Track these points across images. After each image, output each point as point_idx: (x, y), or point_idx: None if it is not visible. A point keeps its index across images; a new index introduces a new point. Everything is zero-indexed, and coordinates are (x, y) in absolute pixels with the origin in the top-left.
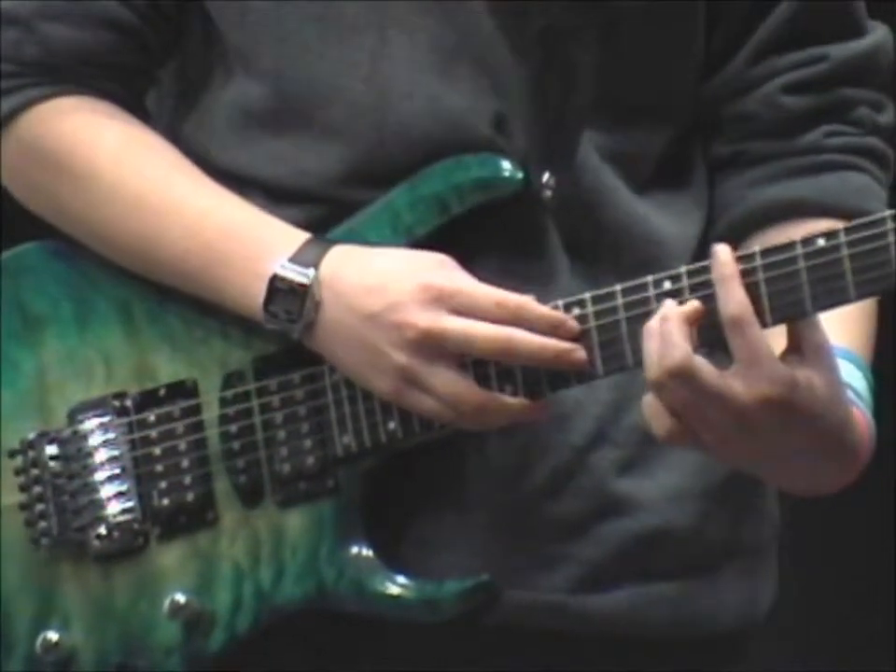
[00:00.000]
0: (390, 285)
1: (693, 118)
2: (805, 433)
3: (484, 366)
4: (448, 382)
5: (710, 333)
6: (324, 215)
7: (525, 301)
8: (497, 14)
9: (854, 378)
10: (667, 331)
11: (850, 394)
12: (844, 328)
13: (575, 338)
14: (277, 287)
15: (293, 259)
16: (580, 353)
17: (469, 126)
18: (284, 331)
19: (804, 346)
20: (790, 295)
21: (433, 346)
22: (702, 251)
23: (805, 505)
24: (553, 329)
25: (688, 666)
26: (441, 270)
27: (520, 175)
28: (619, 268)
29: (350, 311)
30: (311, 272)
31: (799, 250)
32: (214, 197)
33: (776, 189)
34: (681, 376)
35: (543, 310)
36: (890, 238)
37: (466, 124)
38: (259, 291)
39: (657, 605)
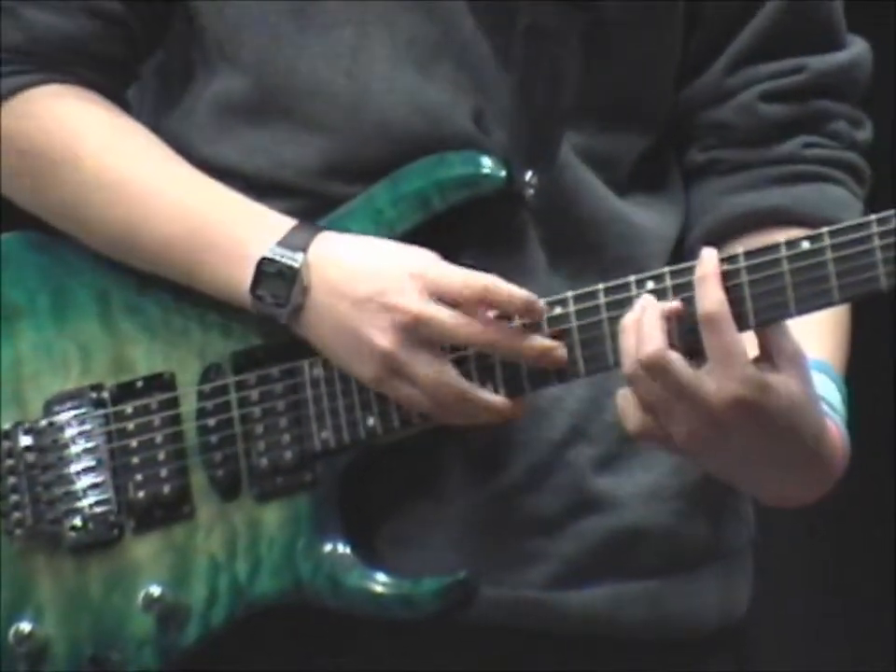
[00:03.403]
0: (381, 271)
1: (673, 123)
2: (777, 439)
3: (466, 363)
4: (431, 370)
5: (689, 337)
6: (302, 208)
7: (493, 280)
8: (480, 12)
9: (829, 391)
10: (643, 324)
11: (825, 406)
12: (820, 340)
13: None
14: (265, 271)
15: (281, 243)
16: (561, 351)
17: (449, 121)
18: (270, 316)
19: (776, 354)
20: (774, 297)
21: (420, 333)
22: (679, 254)
23: (806, 507)
24: (523, 308)
25: (663, 667)
26: (430, 260)
27: (503, 172)
28: (598, 266)
29: (338, 295)
30: (300, 255)
31: (783, 252)
32: (198, 184)
33: (751, 196)
34: (654, 369)
35: (513, 288)
36: (876, 241)
37: (445, 119)
38: (246, 275)
39: (634, 603)
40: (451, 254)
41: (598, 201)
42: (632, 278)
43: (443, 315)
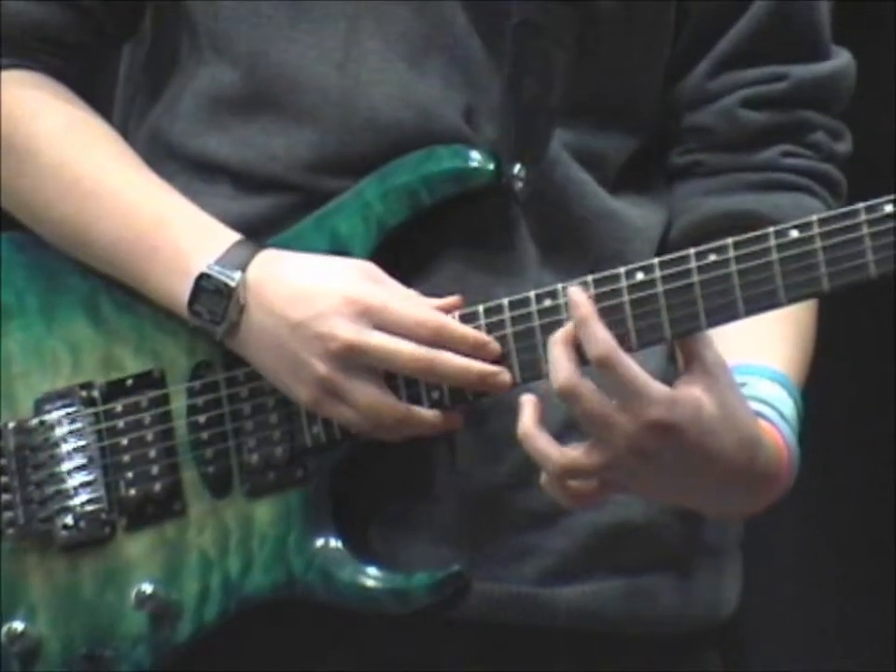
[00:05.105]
0: (317, 295)
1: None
2: (700, 453)
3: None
4: (368, 395)
5: (685, 325)
6: (291, 203)
7: (446, 322)
8: (472, 8)
9: (780, 401)
10: (551, 354)
11: (773, 415)
12: (777, 350)
13: (497, 359)
14: (203, 287)
15: (220, 261)
16: (504, 376)
17: (439, 116)
18: (207, 331)
19: (694, 364)
20: (763, 286)
21: (355, 359)
22: (663, 253)
23: (807, 504)
24: (474, 350)
25: (650, 663)
26: (368, 283)
27: (491, 166)
28: (587, 261)
29: (274, 317)
30: (237, 274)
31: (772, 241)
32: (150, 188)
33: (730, 200)
34: (568, 397)
35: (465, 330)
36: (864, 229)
37: (435, 114)
38: (185, 289)
39: (621, 599)
40: (442, 248)
41: (588, 197)
42: (621, 269)
43: (377, 343)
